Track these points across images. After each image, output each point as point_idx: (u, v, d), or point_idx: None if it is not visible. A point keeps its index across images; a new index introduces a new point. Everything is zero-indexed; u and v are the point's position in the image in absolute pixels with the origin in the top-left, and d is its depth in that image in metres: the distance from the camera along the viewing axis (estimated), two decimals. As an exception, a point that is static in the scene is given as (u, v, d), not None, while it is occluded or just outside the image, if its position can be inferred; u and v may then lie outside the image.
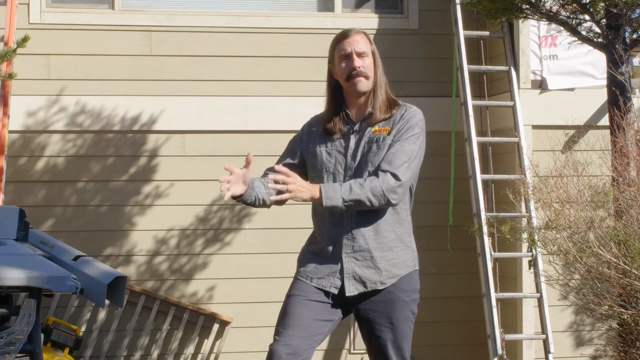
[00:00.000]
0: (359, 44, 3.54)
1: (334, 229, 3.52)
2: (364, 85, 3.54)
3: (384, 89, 3.58)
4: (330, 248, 3.52)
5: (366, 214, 3.49)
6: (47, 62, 6.55)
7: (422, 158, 3.57)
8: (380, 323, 3.53)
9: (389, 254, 3.52)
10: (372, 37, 3.77)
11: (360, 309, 3.55)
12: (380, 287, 3.51)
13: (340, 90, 3.62)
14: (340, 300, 3.52)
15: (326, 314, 3.51)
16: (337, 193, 3.37)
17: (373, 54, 3.58)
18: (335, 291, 3.49)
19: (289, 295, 3.55)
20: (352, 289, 3.50)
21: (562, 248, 4.88)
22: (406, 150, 3.48)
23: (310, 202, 3.46)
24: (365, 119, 3.57)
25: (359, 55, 3.53)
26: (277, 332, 3.47)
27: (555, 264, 5.12)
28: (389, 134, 3.52)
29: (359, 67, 3.52)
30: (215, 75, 6.74)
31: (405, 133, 3.51)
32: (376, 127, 3.54)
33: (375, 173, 3.44)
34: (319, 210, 3.53)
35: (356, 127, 3.57)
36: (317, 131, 3.64)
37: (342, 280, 3.50)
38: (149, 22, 6.70)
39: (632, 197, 4.79)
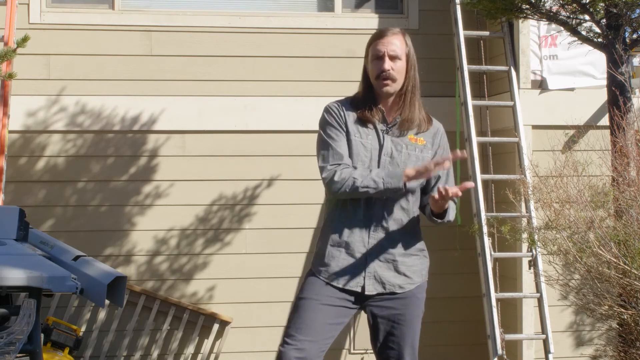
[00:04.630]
0: (393, 45, 3.51)
1: (362, 227, 3.52)
2: (390, 88, 3.53)
3: (417, 95, 3.57)
4: (355, 247, 3.52)
5: (396, 217, 3.53)
6: (47, 62, 6.55)
7: None
8: (394, 321, 3.55)
9: (409, 260, 3.58)
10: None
11: (374, 307, 3.56)
12: (399, 291, 3.55)
13: (372, 87, 3.62)
14: (355, 300, 3.53)
15: (338, 316, 3.52)
16: (449, 214, 3.59)
17: (407, 56, 3.55)
18: (359, 289, 3.50)
19: (301, 298, 3.53)
20: (371, 289, 3.52)
21: (562, 248, 4.88)
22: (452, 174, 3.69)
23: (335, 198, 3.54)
24: (398, 123, 3.55)
25: (391, 58, 3.51)
26: (289, 335, 3.46)
27: (555, 264, 5.12)
28: (425, 146, 3.58)
29: (387, 70, 3.50)
30: (215, 75, 6.74)
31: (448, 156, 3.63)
32: (412, 136, 3.56)
33: None
34: (349, 207, 3.53)
35: (390, 127, 3.56)
36: (348, 116, 3.57)
37: (364, 278, 3.52)
38: (149, 22, 6.70)
39: (632, 197, 4.79)
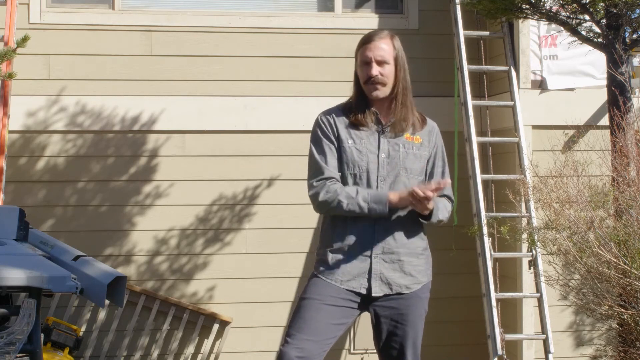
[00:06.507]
0: (381, 50, 3.51)
1: (366, 228, 3.51)
2: (380, 92, 3.53)
3: (408, 96, 3.56)
4: (360, 247, 3.51)
5: (400, 217, 3.52)
6: (47, 62, 6.55)
7: None
8: (397, 320, 3.55)
9: (415, 259, 3.58)
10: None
11: (377, 307, 3.56)
12: (405, 291, 3.55)
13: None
14: (360, 301, 3.53)
15: (341, 317, 3.52)
16: (437, 214, 3.55)
17: (396, 60, 3.54)
18: (364, 291, 3.50)
19: (304, 298, 3.53)
20: (377, 290, 3.52)
21: (562, 248, 4.88)
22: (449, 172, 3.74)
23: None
24: (393, 124, 3.55)
25: (379, 62, 3.50)
26: (290, 335, 3.46)
27: (555, 264, 5.12)
28: (422, 144, 3.58)
29: (375, 76, 3.50)
30: (215, 75, 6.74)
31: (443, 155, 3.67)
32: (408, 135, 3.56)
33: (440, 195, 3.59)
34: None
35: (385, 128, 3.55)
36: (339, 124, 3.57)
37: (369, 280, 3.51)
38: (149, 22, 6.70)
39: (632, 197, 4.79)
